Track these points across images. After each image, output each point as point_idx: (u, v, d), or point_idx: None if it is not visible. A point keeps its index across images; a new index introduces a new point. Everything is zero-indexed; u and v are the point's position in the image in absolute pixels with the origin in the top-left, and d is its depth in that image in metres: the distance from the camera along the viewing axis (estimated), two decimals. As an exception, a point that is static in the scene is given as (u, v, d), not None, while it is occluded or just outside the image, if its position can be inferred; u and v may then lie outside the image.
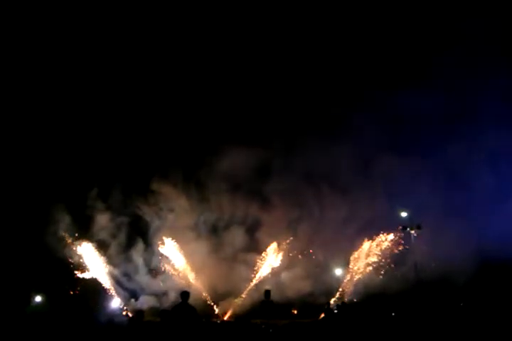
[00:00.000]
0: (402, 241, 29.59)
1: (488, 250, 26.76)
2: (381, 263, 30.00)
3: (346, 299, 29.08)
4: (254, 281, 30.64)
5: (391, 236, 30.10)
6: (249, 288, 30.52)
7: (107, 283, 29.43)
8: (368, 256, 30.40)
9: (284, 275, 30.94)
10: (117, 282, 29.71)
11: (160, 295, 30.37)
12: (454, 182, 30.66)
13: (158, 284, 30.43)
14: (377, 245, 30.40)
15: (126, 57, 33.89)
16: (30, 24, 31.63)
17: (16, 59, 31.63)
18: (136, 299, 30.62)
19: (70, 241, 29.14)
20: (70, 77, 32.64)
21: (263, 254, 31.30)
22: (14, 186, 28.84)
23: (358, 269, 30.35)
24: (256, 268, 31.00)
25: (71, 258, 29.12)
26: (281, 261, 31.27)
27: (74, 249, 29.20)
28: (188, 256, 31.06)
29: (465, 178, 30.50)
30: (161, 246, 30.90)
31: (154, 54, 34.19)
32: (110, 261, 29.64)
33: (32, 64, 31.94)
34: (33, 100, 32.14)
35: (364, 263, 30.40)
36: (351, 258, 30.68)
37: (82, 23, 32.67)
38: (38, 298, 28.66)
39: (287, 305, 28.25)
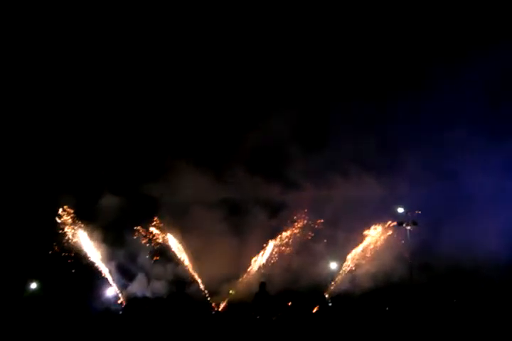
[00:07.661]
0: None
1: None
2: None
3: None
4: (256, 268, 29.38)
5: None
6: (250, 275, 29.17)
7: (104, 270, 28.54)
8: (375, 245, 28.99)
9: (293, 262, 29.33)
10: (117, 268, 28.82)
11: (170, 282, 29.45)
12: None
13: (161, 270, 29.37)
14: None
15: (133, 47, 33.04)
16: (29, 23, 30.98)
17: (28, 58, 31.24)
18: (148, 283, 29.83)
19: (69, 226, 28.30)
20: (75, 69, 32.20)
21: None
22: (12, 169, 28.35)
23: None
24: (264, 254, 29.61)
25: (69, 244, 28.29)
26: (291, 246, 29.77)
27: (72, 234, 28.36)
28: (196, 240, 29.65)
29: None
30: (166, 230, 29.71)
31: (161, 42, 33.09)
32: (111, 247, 28.67)
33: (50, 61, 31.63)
34: (44, 90, 31.76)
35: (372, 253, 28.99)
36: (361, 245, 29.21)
37: (81, 22, 31.82)
38: (34, 285, 28.20)
39: (287, 293, 26.65)
